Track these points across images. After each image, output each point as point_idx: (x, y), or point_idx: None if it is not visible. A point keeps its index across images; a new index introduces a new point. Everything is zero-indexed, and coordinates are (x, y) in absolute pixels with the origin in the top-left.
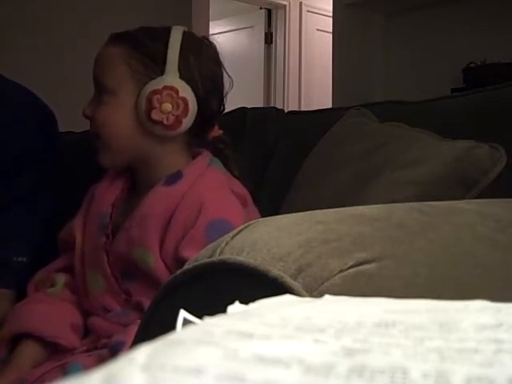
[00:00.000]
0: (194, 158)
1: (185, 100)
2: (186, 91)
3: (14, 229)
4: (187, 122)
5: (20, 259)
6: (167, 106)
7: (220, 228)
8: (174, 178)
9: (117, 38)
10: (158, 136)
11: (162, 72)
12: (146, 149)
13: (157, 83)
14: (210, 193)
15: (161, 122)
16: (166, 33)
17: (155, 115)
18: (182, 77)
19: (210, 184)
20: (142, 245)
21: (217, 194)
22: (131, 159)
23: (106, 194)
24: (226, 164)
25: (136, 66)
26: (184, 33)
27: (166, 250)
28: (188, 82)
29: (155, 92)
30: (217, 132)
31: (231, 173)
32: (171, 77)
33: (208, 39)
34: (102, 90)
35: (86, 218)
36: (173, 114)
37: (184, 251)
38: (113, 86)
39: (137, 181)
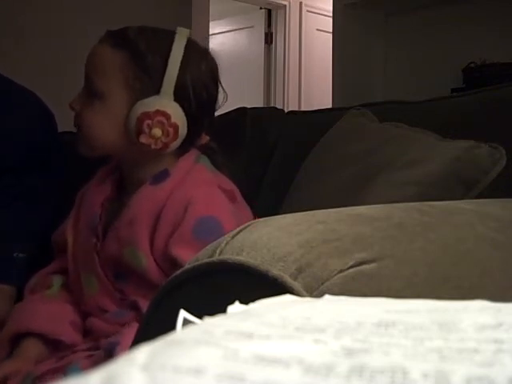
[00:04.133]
0: (180, 156)
1: (175, 126)
2: (177, 116)
3: (15, 225)
4: (174, 145)
5: (21, 255)
6: (157, 132)
7: (207, 225)
8: (161, 176)
9: (115, 40)
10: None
11: (157, 90)
12: (130, 156)
13: (149, 104)
14: (197, 190)
15: (148, 146)
16: (168, 43)
17: (143, 139)
18: (176, 98)
19: (196, 181)
20: (132, 245)
21: (203, 191)
22: (115, 156)
23: (95, 195)
24: (213, 162)
25: (132, 79)
26: (187, 44)
27: (156, 248)
28: (181, 103)
29: (147, 115)
30: (204, 139)
31: (217, 167)
32: (166, 99)
33: (208, 51)
34: (92, 91)
35: (77, 220)
36: (161, 141)
37: (173, 249)
38: (104, 91)
39: (125, 180)
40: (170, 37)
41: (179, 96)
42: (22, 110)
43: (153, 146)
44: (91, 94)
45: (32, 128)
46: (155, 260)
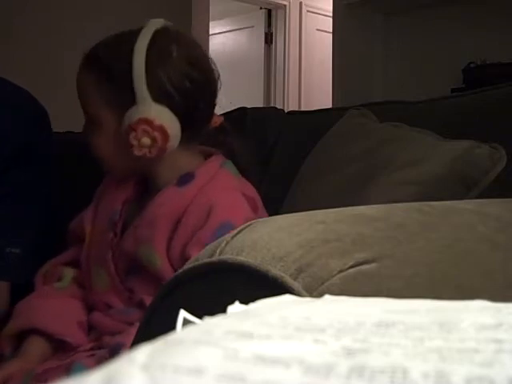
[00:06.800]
0: (206, 158)
1: (162, 128)
2: (162, 118)
3: (7, 220)
4: (172, 144)
5: (13, 250)
6: (146, 141)
7: (227, 231)
8: (186, 178)
9: (87, 63)
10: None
11: (134, 99)
12: (143, 167)
13: (131, 116)
14: (221, 195)
15: (144, 156)
16: (130, 45)
17: (137, 152)
18: (156, 99)
19: (221, 187)
20: (149, 244)
21: (227, 196)
22: (137, 169)
23: (118, 191)
24: (239, 167)
25: (107, 96)
26: (152, 37)
27: (173, 250)
28: (164, 101)
29: (130, 128)
30: (217, 120)
31: (242, 173)
32: (144, 105)
33: (179, 37)
34: (86, 117)
35: (96, 212)
36: (154, 147)
37: (191, 251)
38: (93, 115)
39: (148, 180)
40: (133, 37)
41: (158, 95)
42: (15, 108)
43: (148, 155)
44: (88, 120)
45: (25, 126)
46: (171, 262)
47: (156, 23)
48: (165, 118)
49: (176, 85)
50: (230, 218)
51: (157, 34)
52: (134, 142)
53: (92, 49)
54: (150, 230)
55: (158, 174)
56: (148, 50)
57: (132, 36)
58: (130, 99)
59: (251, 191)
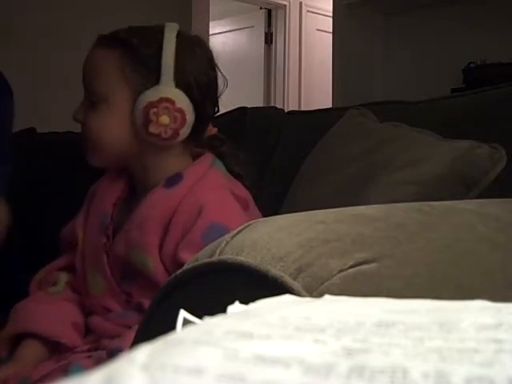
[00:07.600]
0: (194, 159)
1: (182, 111)
2: (182, 101)
3: None
4: (185, 132)
5: None
6: (165, 119)
7: (218, 232)
8: (174, 180)
9: (107, 41)
10: (154, 145)
11: (157, 80)
12: (141, 155)
13: (153, 94)
14: (210, 196)
15: (159, 135)
16: (159, 35)
17: (153, 129)
18: (177, 85)
19: (210, 187)
20: (141, 248)
21: (216, 197)
22: (126, 162)
23: (107, 194)
24: (226, 164)
25: (130, 74)
26: (178, 34)
27: (165, 252)
28: (184, 89)
29: (152, 104)
30: (212, 131)
31: (232, 172)
32: (167, 86)
33: (200, 39)
34: (93, 96)
35: (87, 217)
36: (171, 128)
37: (181, 253)
38: (106, 92)
39: (136, 182)
40: (159, 30)
41: (180, 82)
42: None
43: (163, 135)
44: (94, 99)
45: None
46: (164, 264)
47: (175, 25)
48: (185, 104)
49: (196, 78)
50: (219, 218)
51: (181, 33)
52: (153, 118)
53: (111, 32)
54: (141, 233)
55: (147, 173)
56: (177, 41)
57: (157, 29)
58: (153, 80)
59: (241, 190)
